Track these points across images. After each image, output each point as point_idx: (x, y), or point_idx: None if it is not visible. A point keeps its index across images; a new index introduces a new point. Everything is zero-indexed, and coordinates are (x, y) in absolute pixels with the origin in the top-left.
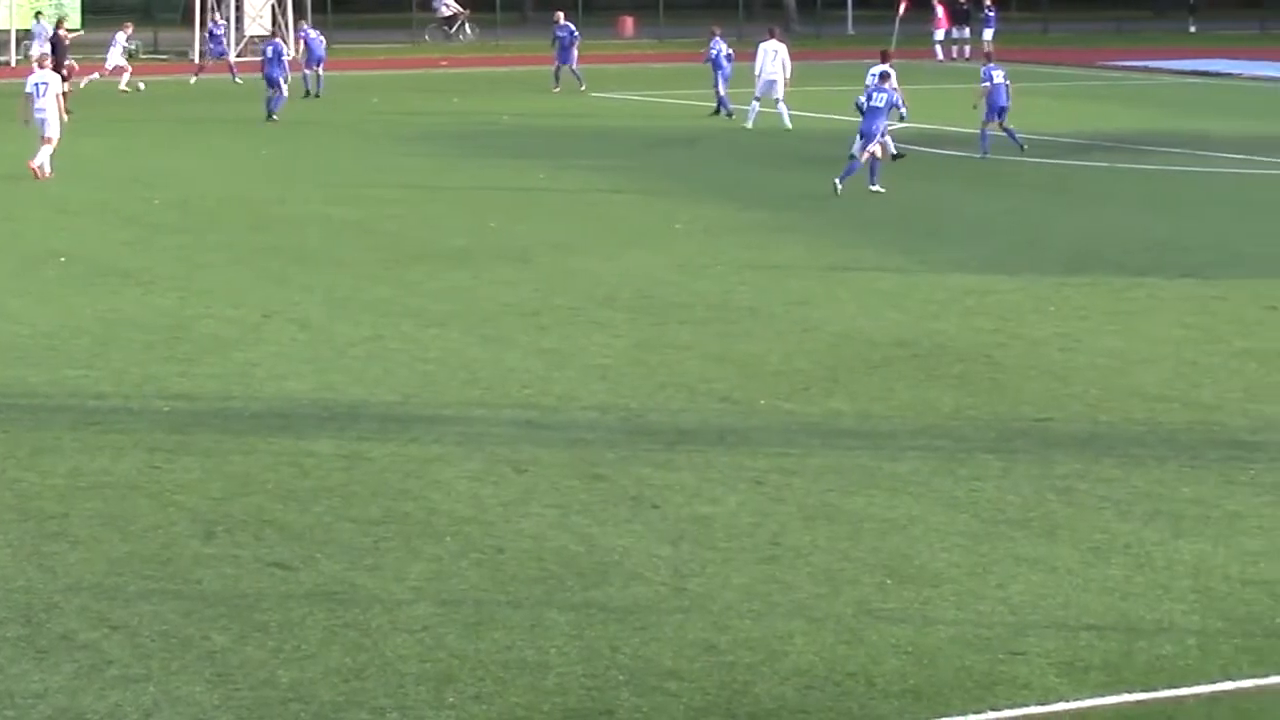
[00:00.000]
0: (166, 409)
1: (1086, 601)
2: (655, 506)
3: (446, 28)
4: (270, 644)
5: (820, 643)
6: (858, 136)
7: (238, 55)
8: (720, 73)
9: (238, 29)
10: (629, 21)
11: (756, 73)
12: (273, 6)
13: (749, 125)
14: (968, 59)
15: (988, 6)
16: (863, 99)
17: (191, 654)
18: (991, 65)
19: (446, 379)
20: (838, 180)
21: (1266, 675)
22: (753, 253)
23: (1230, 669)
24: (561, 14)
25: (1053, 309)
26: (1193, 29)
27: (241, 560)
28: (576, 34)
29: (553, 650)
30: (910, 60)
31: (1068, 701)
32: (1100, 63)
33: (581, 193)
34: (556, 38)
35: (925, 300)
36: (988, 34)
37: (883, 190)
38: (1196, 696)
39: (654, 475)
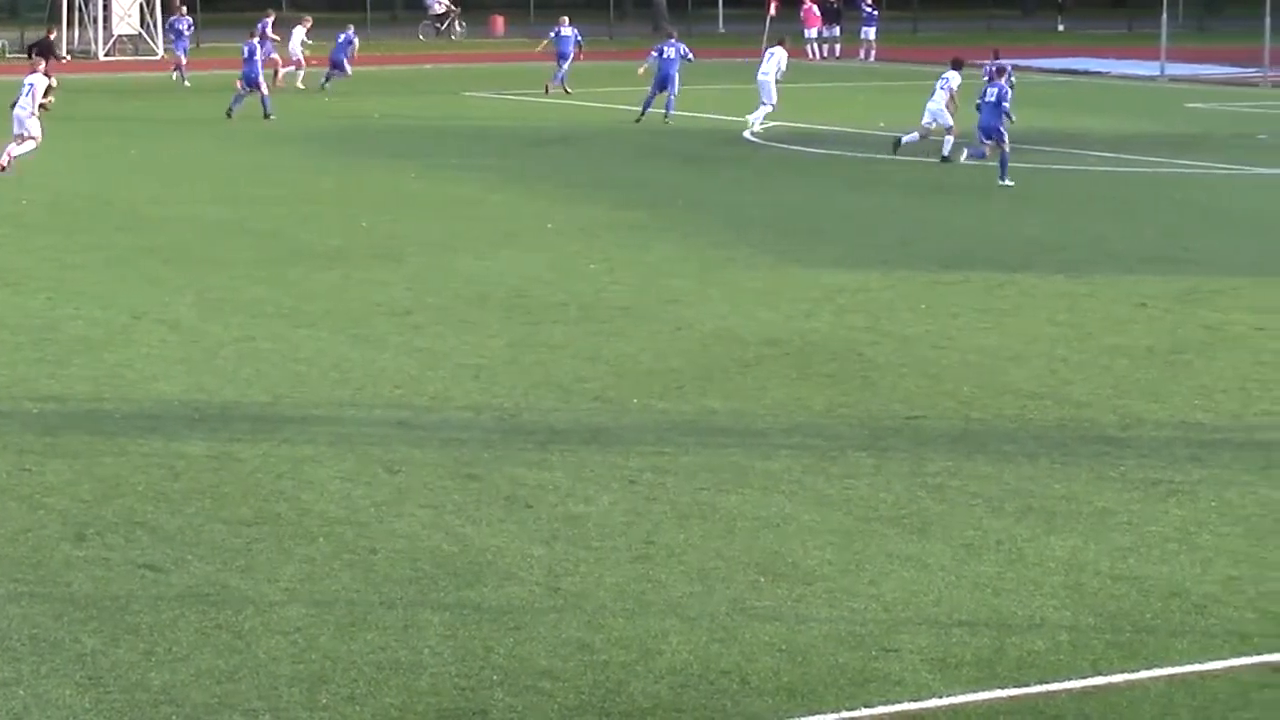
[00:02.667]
0: (36, 411)
1: (959, 598)
2: (529, 506)
3: (438, 24)
4: (142, 646)
5: (694, 641)
6: (981, 135)
7: (106, 54)
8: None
9: (106, 28)
10: (499, 21)
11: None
12: (141, 6)
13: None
14: (838, 58)
15: (868, 5)
16: (978, 100)
17: (62, 657)
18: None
19: (318, 379)
20: (1005, 180)
21: (1136, 670)
22: (626, 252)
23: (1101, 664)
24: (565, 18)
25: (925, 306)
26: (1061, 28)
27: (112, 562)
28: (559, 36)
29: (426, 651)
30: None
31: (940, 698)
32: (971, 61)
33: (455, 192)
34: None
35: (798, 298)
36: (870, 32)
37: (1012, 184)
38: (1068, 692)
39: (527, 475)
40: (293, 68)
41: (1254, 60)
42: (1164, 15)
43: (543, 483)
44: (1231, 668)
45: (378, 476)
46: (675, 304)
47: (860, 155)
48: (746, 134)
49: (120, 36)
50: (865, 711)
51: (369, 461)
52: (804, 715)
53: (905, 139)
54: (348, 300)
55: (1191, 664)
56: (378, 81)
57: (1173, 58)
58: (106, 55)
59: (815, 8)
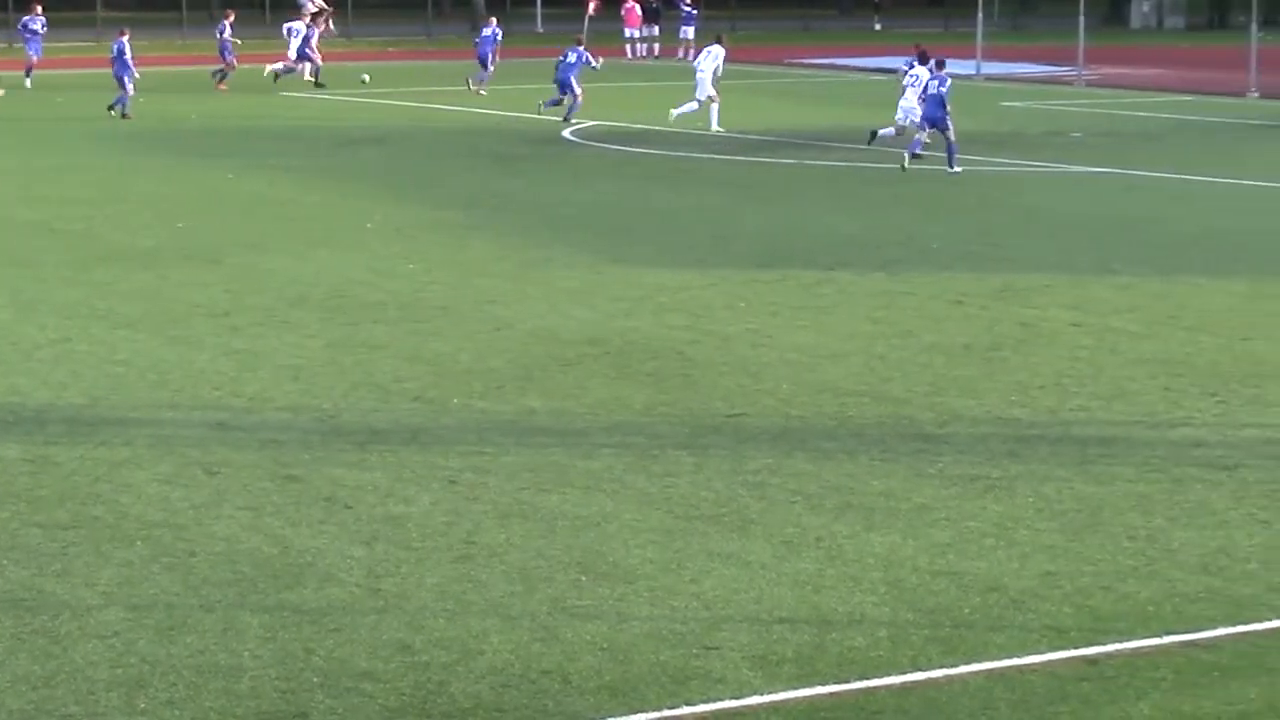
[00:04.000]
0: None
1: (779, 595)
2: (349, 507)
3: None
4: None
5: (515, 641)
6: (924, 124)
7: None
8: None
9: None
10: (324, 20)
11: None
12: None
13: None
14: (657, 57)
15: (686, 4)
16: (919, 89)
17: None
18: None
19: (135, 381)
20: (953, 168)
21: (955, 665)
22: (445, 251)
23: (920, 659)
24: (493, 19)
25: (744, 305)
26: (878, 27)
27: None
28: (485, 33)
29: (246, 654)
30: (605, 59)
31: (761, 695)
32: (788, 60)
33: (271, 192)
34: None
35: (617, 298)
36: (688, 31)
37: (960, 170)
38: (888, 687)
39: (347, 476)
40: (280, 65)
41: (1068, 59)
42: (979, 14)
43: (362, 483)
44: (1049, 661)
45: (196, 478)
46: (494, 304)
47: (678, 154)
48: (714, 129)
49: None
50: (687, 709)
51: (187, 463)
52: (625, 714)
53: (881, 131)
54: (165, 301)
55: (1009, 658)
56: (191, 81)
57: (988, 56)
58: None
59: (638, 7)
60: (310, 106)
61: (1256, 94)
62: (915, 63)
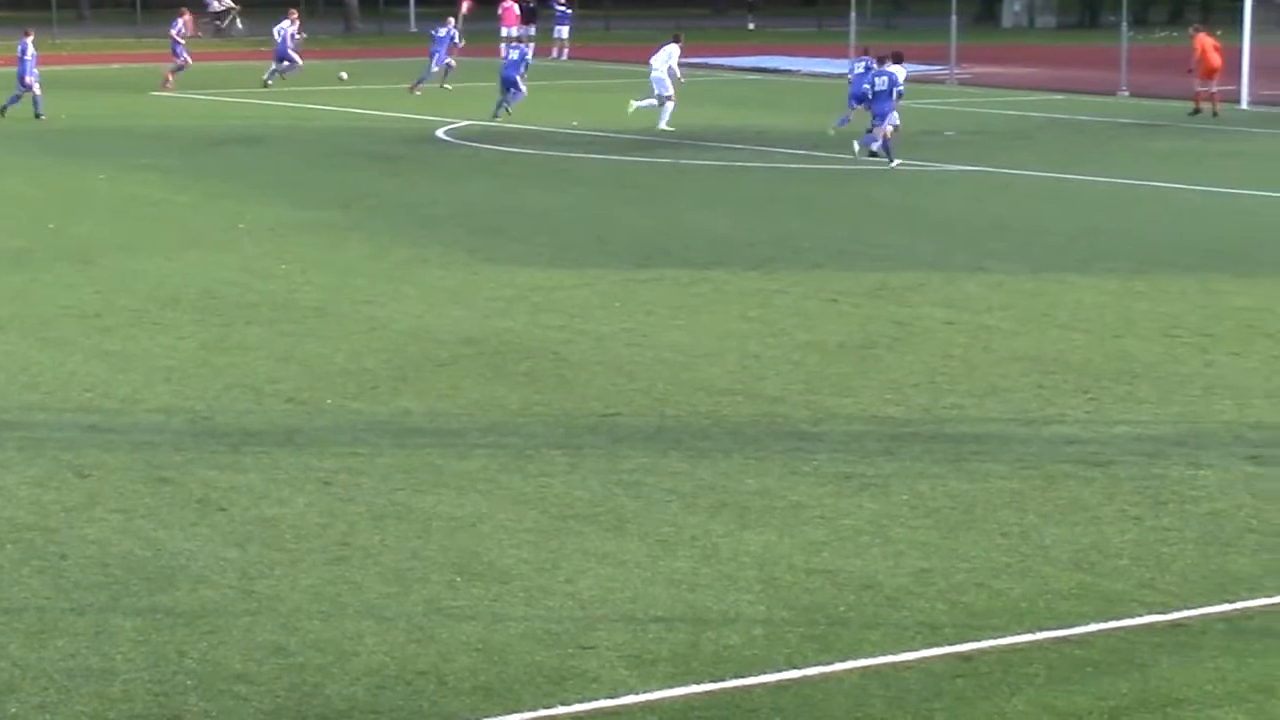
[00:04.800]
0: None
1: (654, 594)
2: (222, 509)
3: (218, 23)
4: None
5: (391, 642)
6: (876, 119)
7: None
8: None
9: None
10: (189, 19)
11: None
12: None
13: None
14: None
15: (560, 4)
16: (867, 86)
17: None
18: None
19: (5, 383)
20: (891, 163)
21: (831, 663)
22: (318, 252)
23: (796, 658)
24: (451, 19)
25: (619, 304)
26: (752, 26)
27: None
28: (440, 33)
29: (119, 657)
30: (478, 59)
31: (637, 694)
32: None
33: (143, 193)
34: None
35: (492, 297)
36: (563, 30)
37: (897, 165)
38: (763, 685)
39: (220, 477)
40: (276, 65)
41: (941, 58)
42: (853, 14)
43: (236, 485)
44: (923, 659)
45: (67, 481)
46: (369, 304)
47: (553, 154)
48: (662, 125)
49: None
50: (562, 709)
51: (59, 466)
52: (501, 714)
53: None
54: (35, 303)
55: (885, 656)
56: (62, 82)
57: (861, 56)
58: None
59: (516, 6)
60: (184, 106)
61: (1127, 93)
62: (872, 63)
